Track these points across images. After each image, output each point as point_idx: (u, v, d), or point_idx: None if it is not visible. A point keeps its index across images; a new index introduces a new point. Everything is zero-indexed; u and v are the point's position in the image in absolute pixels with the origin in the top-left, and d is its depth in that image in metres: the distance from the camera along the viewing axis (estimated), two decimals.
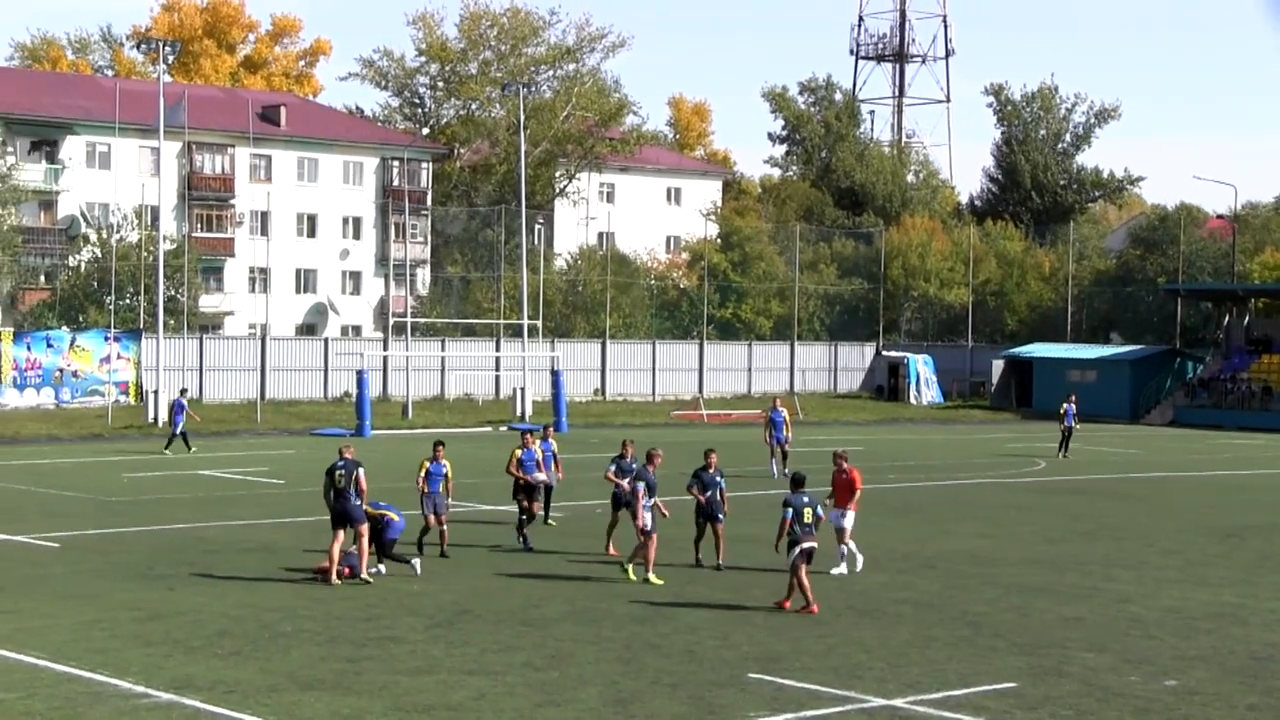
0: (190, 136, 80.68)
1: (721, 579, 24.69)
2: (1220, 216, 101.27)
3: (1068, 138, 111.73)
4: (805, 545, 22.26)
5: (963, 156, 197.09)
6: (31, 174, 79.48)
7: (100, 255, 73.38)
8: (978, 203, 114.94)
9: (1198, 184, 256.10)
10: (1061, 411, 52.09)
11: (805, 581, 22.19)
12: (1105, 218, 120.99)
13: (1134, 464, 49.30)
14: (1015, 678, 18.43)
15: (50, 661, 18.15)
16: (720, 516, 25.92)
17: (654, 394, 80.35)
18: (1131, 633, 21.45)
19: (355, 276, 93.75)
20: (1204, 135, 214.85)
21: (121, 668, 18.06)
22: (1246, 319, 79.13)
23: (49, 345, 64.59)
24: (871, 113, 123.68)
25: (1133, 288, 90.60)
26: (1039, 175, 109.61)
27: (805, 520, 22.34)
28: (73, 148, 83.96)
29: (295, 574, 24.95)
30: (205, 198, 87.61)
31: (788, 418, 43.12)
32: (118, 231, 74.30)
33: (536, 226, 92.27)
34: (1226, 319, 79.91)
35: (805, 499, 22.52)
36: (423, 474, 26.87)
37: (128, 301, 70.98)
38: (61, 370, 64.32)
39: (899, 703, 17.05)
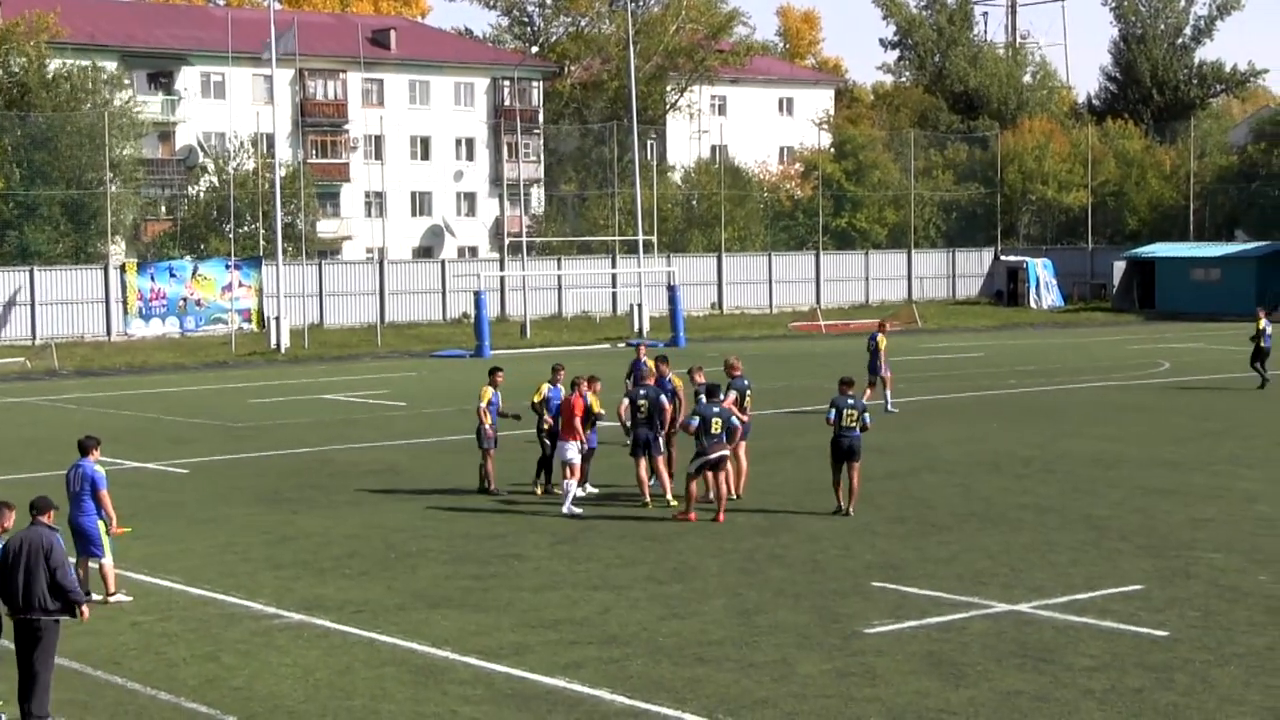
0: (302, 63, 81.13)
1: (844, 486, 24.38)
2: None
3: (1188, 31, 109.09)
4: (712, 456, 22.10)
5: (1079, 56, 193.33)
6: (149, 106, 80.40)
7: (218, 184, 74.20)
8: (1096, 102, 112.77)
9: None
10: (1260, 328, 40.91)
11: (694, 490, 22.25)
12: (1229, 112, 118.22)
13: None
14: (1141, 580, 18.30)
15: (185, 585, 18.59)
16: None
17: (771, 306, 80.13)
18: (1260, 532, 21.19)
19: (470, 198, 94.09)
20: None
21: (253, 590, 18.45)
22: None
23: (172, 275, 65.60)
24: (985, 15, 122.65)
25: (1257, 183, 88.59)
26: (1158, 72, 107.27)
27: (713, 431, 22.07)
28: (188, 78, 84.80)
29: (420, 494, 25.28)
30: (319, 124, 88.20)
31: (881, 345, 36.26)
32: (234, 160, 75.07)
33: (649, 142, 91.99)
34: None
35: (715, 409, 22.28)
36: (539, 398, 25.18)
37: (247, 229, 71.81)
38: (185, 299, 65.34)
39: (1023, 608, 17.00)
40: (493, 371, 25.90)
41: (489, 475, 25.14)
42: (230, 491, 25.94)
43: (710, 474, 22.37)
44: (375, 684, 14.59)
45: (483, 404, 25.02)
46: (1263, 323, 41.11)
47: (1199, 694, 13.93)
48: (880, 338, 36.55)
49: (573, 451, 23.26)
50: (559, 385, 25.18)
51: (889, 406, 35.56)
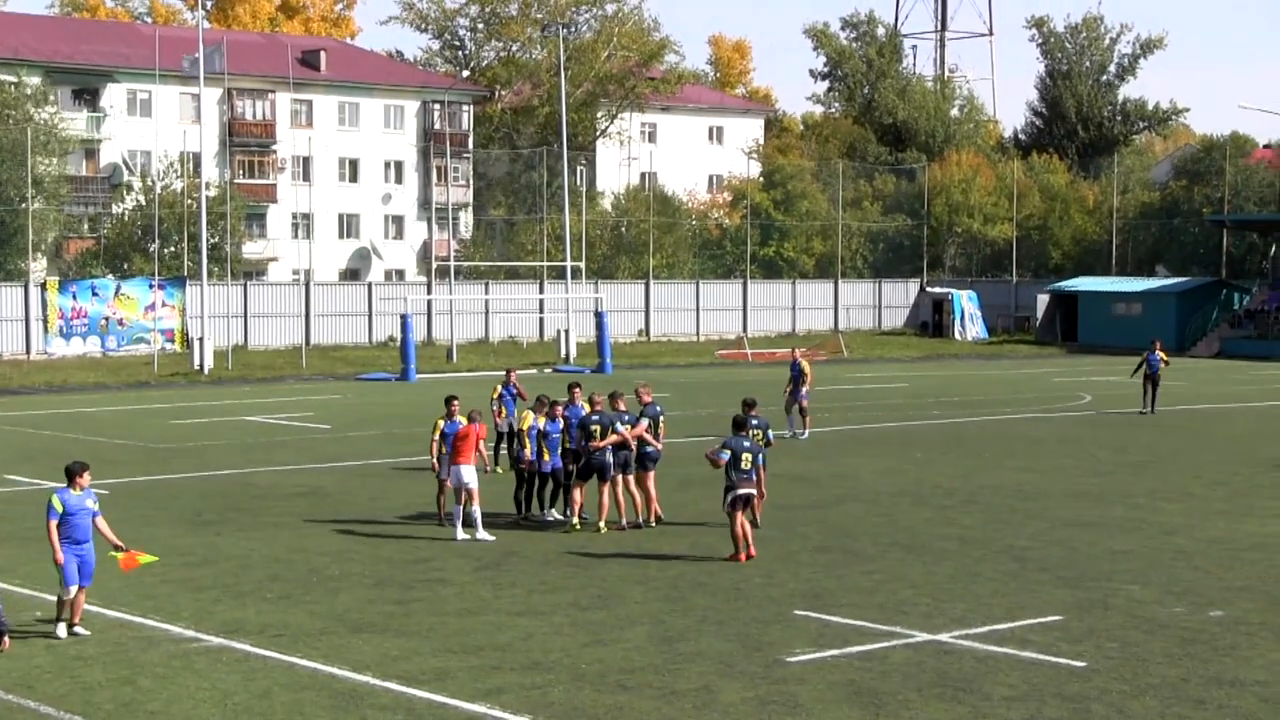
0: (230, 83, 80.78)
1: (769, 517, 24.53)
2: (1267, 146, 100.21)
3: (1112, 69, 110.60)
4: (741, 492, 21.39)
5: (1006, 90, 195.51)
6: (74, 123, 79.74)
7: (144, 203, 73.65)
8: (1021, 137, 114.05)
9: (1243, 114, 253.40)
10: (1143, 358, 44.67)
11: (738, 531, 21.32)
12: (1150, 149, 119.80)
13: (1180, 396, 49.03)
14: (1061, 611, 18.45)
15: (102, 607, 18.36)
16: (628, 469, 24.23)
17: (698, 334, 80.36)
18: (1177, 564, 21.42)
19: (398, 221, 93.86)
20: (1250, 64, 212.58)
21: (172, 613, 18.27)
22: None
23: (94, 294, 65.04)
24: (914, 48, 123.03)
25: (1178, 219, 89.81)
26: (1083, 108, 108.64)
27: (743, 466, 21.38)
28: (114, 96, 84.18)
29: (344, 518, 25.13)
30: (247, 144, 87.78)
31: (806, 369, 37.23)
32: (161, 179, 74.57)
33: (579, 168, 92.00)
34: (1273, 249, 79.19)
35: (746, 443, 21.61)
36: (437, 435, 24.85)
37: (172, 249, 71.30)
38: (107, 319, 64.77)
39: (944, 637, 17.10)
40: (449, 400, 25.18)
41: (442, 505, 24.77)
42: (151, 513, 25.68)
43: (740, 510, 21.54)
44: (294, 708, 14.48)
45: (435, 436, 24.69)
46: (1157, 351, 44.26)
47: None
48: (804, 364, 37.23)
49: (469, 475, 23.16)
50: (579, 404, 24.52)
51: (801, 434, 36.18)
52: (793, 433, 36.28)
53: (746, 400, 24.75)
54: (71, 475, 17.34)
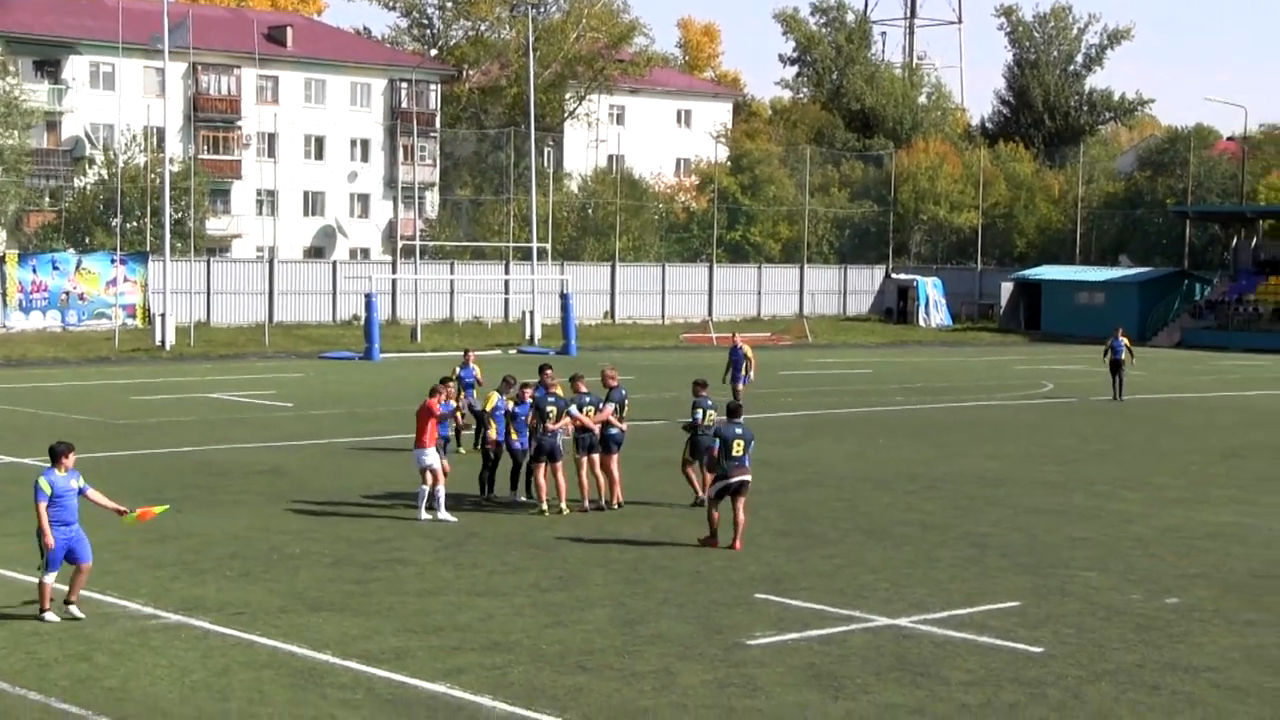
0: (195, 57, 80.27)
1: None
2: (1231, 138, 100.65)
3: (1079, 59, 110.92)
4: (734, 480, 20.92)
5: (974, 78, 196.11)
6: (35, 95, 79.12)
7: (106, 177, 73.19)
8: (989, 125, 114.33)
9: (1209, 106, 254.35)
10: (1107, 345, 45.83)
11: (716, 516, 21.03)
12: (1116, 140, 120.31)
13: (1140, 385, 49.28)
14: (1019, 597, 18.55)
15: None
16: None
17: (663, 317, 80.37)
18: (1134, 552, 21.56)
19: (363, 199, 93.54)
20: (1216, 57, 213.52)
21: (130, 589, 18.20)
22: (1255, 241, 78.82)
23: (55, 268, 64.57)
24: (883, 35, 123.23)
25: (1142, 210, 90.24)
26: (1050, 97, 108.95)
27: (734, 453, 20.87)
28: (76, 68, 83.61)
29: (305, 496, 25.06)
30: (211, 119, 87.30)
31: (749, 354, 36.82)
32: (124, 153, 74.10)
33: (546, 149, 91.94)
34: (1235, 241, 79.63)
35: (738, 430, 21.03)
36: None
37: (134, 224, 70.88)
38: (68, 293, 64.34)
39: (903, 622, 17.17)
40: (444, 381, 25.13)
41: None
42: (111, 489, 25.38)
43: (731, 499, 21.11)
44: (253, 686, 14.44)
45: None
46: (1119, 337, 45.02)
47: (1071, 709, 14.13)
48: (747, 349, 36.80)
49: (432, 457, 23.16)
50: (546, 388, 24.11)
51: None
52: None
53: (697, 380, 24.70)
54: (57, 455, 16.85)
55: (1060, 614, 17.71)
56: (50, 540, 16.61)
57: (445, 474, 23.42)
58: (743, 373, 36.08)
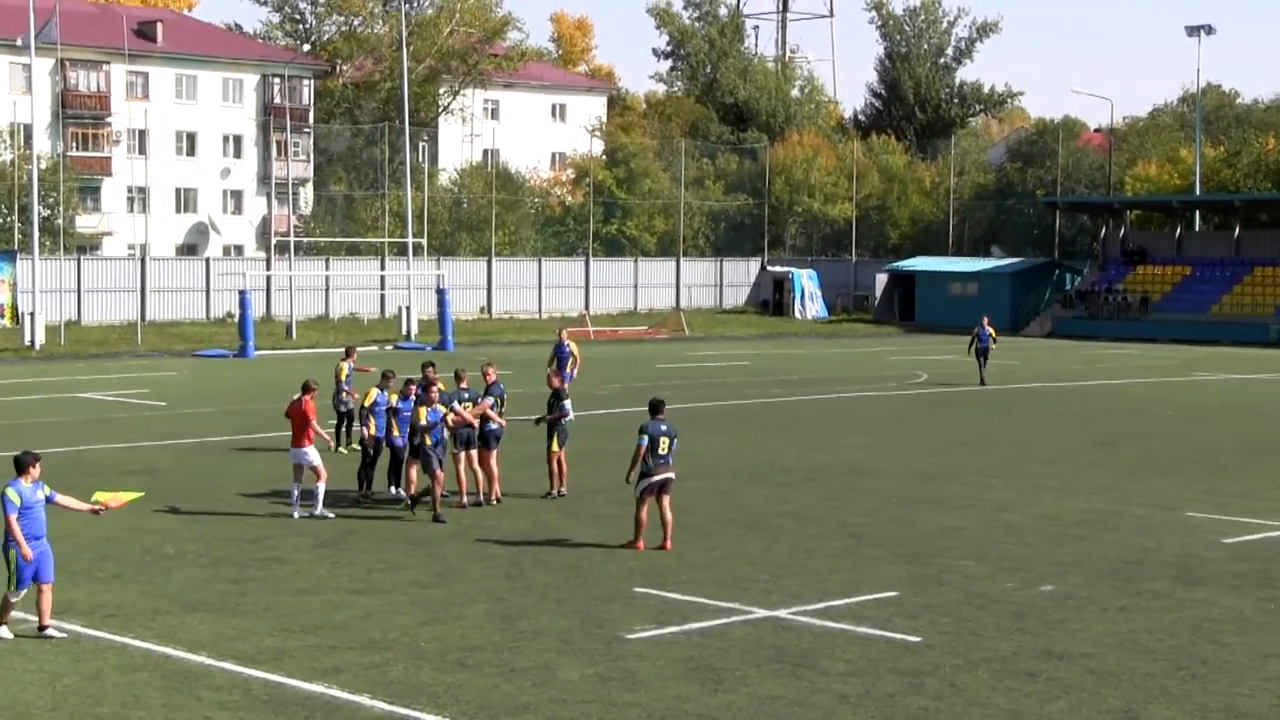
0: (64, 53, 78.79)
1: (609, 494, 24.68)
2: (1098, 130, 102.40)
3: (950, 52, 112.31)
4: (658, 478, 20.66)
5: (846, 72, 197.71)
6: None
7: None
8: (861, 118, 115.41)
9: (1075, 98, 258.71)
10: (973, 334, 47.45)
11: (644, 516, 20.78)
12: (987, 132, 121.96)
13: (1013, 375, 50.01)
14: (896, 587, 18.73)
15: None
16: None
17: (540, 311, 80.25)
18: (1008, 540, 21.85)
19: (237, 195, 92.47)
20: (1082, 49, 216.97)
21: None
22: (1122, 231, 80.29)
23: None
24: (756, 28, 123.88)
25: (1012, 201, 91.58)
26: (921, 90, 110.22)
27: (660, 451, 20.62)
28: None
29: (179, 496, 24.74)
30: (80, 116, 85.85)
31: (575, 351, 37.16)
32: None
33: (421, 144, 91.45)
34: (1103, 231, 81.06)
35: (664, 427, 20.74)
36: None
37: (2, 222, 69.55)
38: None
39: (782, 613, 17.28)
40: (385, 375, 25.89)
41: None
42: None
43: (656, 498, 20.77)
44: (126, 690, 14.23)
45: (365, 404, 25.47)
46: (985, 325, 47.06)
47: (948, 698, 14.30)
48: (573, 345, 37.14)
49: (313, 455, 23.00)
50: (429, 383, 23.81)
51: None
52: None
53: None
54: (23, 466, 16.13)
55: (937, 603, 17.92)
56: (29, 552, 15.89)
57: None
58: (568, 370, 35.68)
